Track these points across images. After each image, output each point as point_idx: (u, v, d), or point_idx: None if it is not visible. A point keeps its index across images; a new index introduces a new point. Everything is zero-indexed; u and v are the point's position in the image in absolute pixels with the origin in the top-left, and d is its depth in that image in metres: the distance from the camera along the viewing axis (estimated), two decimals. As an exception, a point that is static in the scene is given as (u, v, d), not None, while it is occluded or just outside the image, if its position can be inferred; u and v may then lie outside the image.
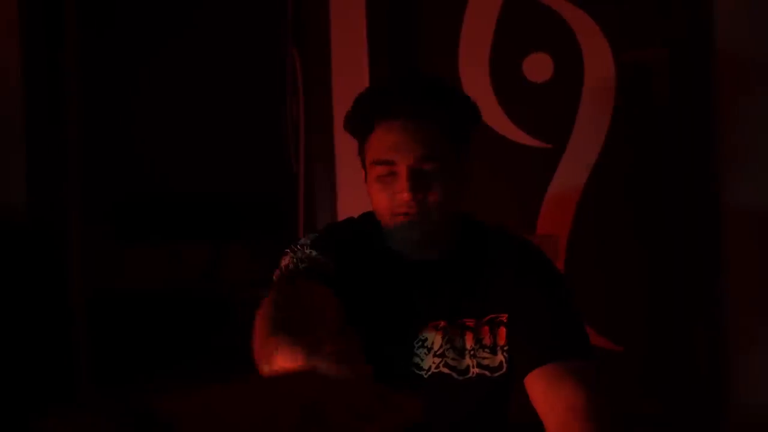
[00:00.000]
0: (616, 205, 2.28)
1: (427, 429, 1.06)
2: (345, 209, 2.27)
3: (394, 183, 1.35)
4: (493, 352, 1.39)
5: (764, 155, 2.27)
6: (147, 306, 3.91)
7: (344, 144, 2.19)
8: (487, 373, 1.38)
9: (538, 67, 2.27)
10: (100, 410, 0.66)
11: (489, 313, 1.39)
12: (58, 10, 2.67)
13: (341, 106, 2.20)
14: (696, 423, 2.25)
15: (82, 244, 2.76)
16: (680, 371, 2.26)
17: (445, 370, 1.38)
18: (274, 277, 1.37)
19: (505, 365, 1.38)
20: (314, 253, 1.35)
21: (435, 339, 1.38)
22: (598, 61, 2.27)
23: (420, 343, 1.39)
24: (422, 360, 1.38)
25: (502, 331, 1.38)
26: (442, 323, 1.39)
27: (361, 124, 1.41)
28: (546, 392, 1.27)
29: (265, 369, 1.02)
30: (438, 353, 1.38)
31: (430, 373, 1.38)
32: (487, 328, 1.39)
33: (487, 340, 1.39)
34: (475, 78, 2.26)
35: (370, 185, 1.40)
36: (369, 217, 1.47)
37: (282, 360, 0.97)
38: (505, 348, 1.38)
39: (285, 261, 1.36)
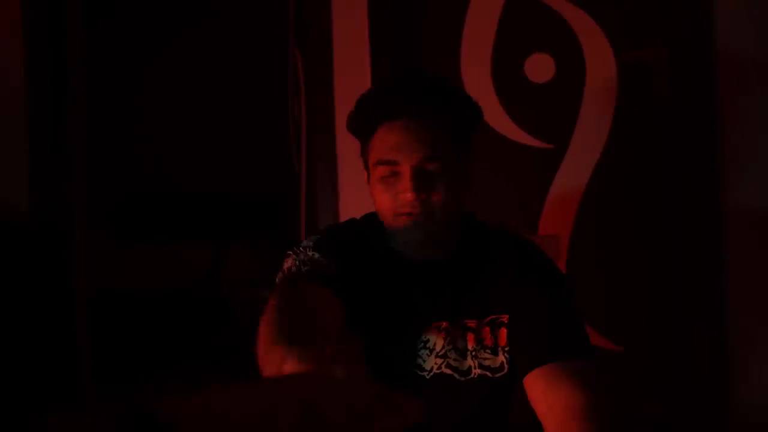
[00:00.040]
0: (618, 205, 2.28)
1: (428, 430, 1.06)
2: (347, 209, 2.27)
3: (397, 183, 1.35)
4: (494, 352, 1.39)
5: (765, 155, 2.27)
6: (149, 306, 3.92)
7: (346, 144, 2.19)
8: (488, 374, 1.38)
9: (539, 68, 2.28)
10: (101, 411, 0.66)
11: (490, 314, 1.40)
12: (61, 10, 2.67)
13: (343, 106, 2.21)
14: (697, 423, 2.25)
15: (84, 244, 2.77)
16: (681, 371, 2.26)
17: (447, 371, 1.38)
18: (276, 280, 1.37)
19: (506, 366, 1.38)
20: (317, 255, 1.35)
21: (437, 340, 1.38)
22: (600, 62, 2.27)
23: (422, 344, 1.39)
24: (424, 361, 1.39)
25: (503, 331, 1.38)
26: (444, 324, 1.39)
27: (363, 124, 1.41)
28: (545, 392, 1.27)
29: (268, 372, 1.02)
30: (440, 354, 1.38)
31: (431, 374, 1.38)
32: (488, 329, 1.39)
33: (488, 341, 1.39)
34: (476, 78, 2.27)
35: (372, 186, 1.40)
36: (371, 218, 1.47)
37: (284, 363, 0.97)
38: (506, 349, 1.38)
39: (287, 263, 1.36)
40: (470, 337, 1.39)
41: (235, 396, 0.72)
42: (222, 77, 3.99)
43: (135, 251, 4.21)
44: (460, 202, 1.41)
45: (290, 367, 0.98)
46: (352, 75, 2.30)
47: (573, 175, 2.26)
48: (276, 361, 0.98)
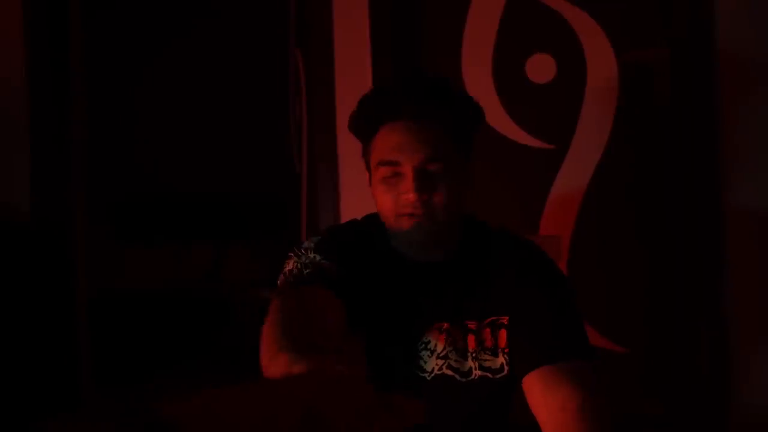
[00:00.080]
0: (619, 205, 2.28)
1: (429, 431, 1.06)
2: (348, 209, 2.27)
3: (399, 184, 1.35)
4: (494, 354, 1.39)
5: (766, 155, 2.27)
6: (149, 305, 3.92)
7: (347, 144, 2.19)
8: (488, 375, 1.38)
9: (540, 68, 2.28)
10: (102, 413, 0.66)
11: (490, 315, 1.40)
12: (62, 10, 2.67)
13: (344, 106, 2.21)
14: (698, 423, 2.25)
15: (85, 244, 2.77)
16: (682, 372, 2.26)
17: (448, 372, 1.38)
18: (278, 282, 1.37)
19: (506, 367, 1.38)
20: (318, 257, 1.35)
21: (438, 341, 1.38)
22: (600, 62, 2.27)
23: (423, 345, 1.39)
24: (425, 362, 1.39)
25: (503, 333, 1.38)
26: (445, 325, 1.39)
27: (365, 125, 1.42)
28: (544, 394, 1.27)
29: (271, 375, 1.02)
30: (441, 355, 1.38)
31: (433, 374, 1.38)
32: (488, 330, 1.39)
33: (488, 342, 1.39)
34: (477, 79, 2.27)
35: (374, 187, 1.40)
36: (372, 219, 1.47)
37: (285, 365, 0.97)
38: (506, 350, 1.38)
39: (289, 265, 1.36)
40: (471, 338, 1.39)
41: (235, 397, 0.72)
42: (223, 77, 3.99)
43: (135, 251, 4.21)
44: (462, 202, 1.41)
45: (286, 360, 0.98)
46: (353, 75, 2.30)
47: (574, 175, 2.27)
48: (281, 367, 0.98)
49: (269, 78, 3.54)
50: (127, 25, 4.01)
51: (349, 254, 1.38)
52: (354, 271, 1.35)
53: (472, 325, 1.39)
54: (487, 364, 1.38)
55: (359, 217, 1.53)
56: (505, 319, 1.39)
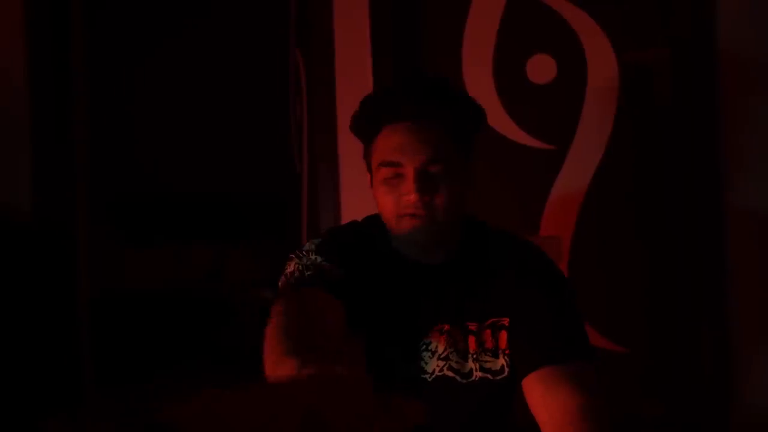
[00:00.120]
0: (620, 206, 2.28)
1: None
2: (349, 210, 2.27)
3: (400, 185, 1.36)
4: (495, 355, 1.39)
5: (767, 155, 2.27)
6: (151, 306, 3.92)
7: (348, 144, 2.19)
8: (489, 376, 1.39)
9: (541, 68, 2.28)
10: (103, 412, 0.67)
11: (491, 317, 1.40)
12: (63, 10, 2.67)
13: (345, 106, 2.22)
14: (699, 424, 2.25)
15: (87, 244, 2.77)
16: (683, 372, 2.26)
17: (449, 374, 1.38)
18: (279, 284, 1.37)
19: (506, 369, 1.38)
20: (319, 259, 1.35)
21: (439, 342, 1.39)
22: (601, 62, 2.27)
23: (424, 346, 1.39)
24: (426, 363, 1.39)
25: (504, 334, 1.39)
26: (446, 326, 1.39)
27: (366, 126, 1.42)
28: (544, 395, 1.27)
29: (273, 377, 1.03)
30: (442, 356, 1.38)
31: (434, 376, 1.39)
32: (489, 331, 1.39)
33: (489, 344, 1.39)
34: (478, 79, 2.27)
35: (376, 188, 1.40)
36: (373, 220, 1.47)
37: (287, 368, 0.98)
38: (507, 351, 1.38)
39: (290, 267, 1.36)
40: (471, 339, 1.39)
41: (236, 399, 0.72)
42: (223, 77, 3.99)
43: (137, 252, 4.21)
44: (463, 203, 1.41)
45: (287, 363, 0.98)
46: (354, 75, 2.30)
47: (574, 175, 2.26)
48: (287, 371, 0.98)
49: (269, 78, 3.54)
50: (128, 25, 4.01)
51: (350, 255, 1.38)
52: (355, 272, 1.35)
53: (472, 326, 1.39)
54: (487, 365, 1.38)
55: (360, 218, 1.53)
56: (505, 321, 1.39)
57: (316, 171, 2.41)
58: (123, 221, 4.22)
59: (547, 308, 1.35)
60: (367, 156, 1.44)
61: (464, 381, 1.38)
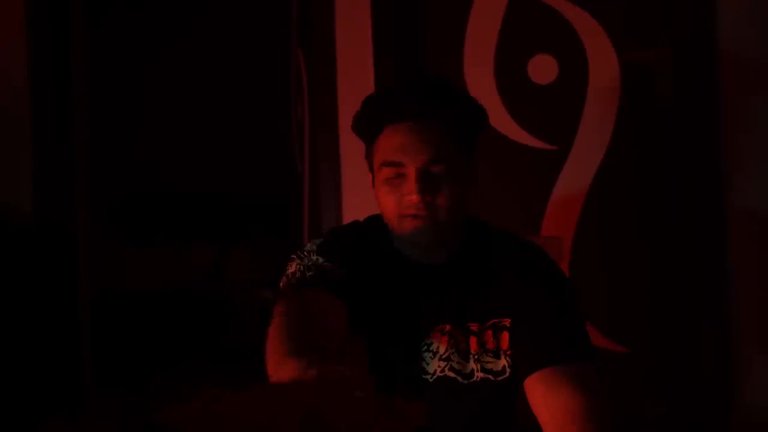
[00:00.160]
0: (621, 206, 2.28)
1: (431, 432, 1.06)
2: (350, 209, 2.27)
3: (402, 185, 1.35)
4: (497, 356, 1.39)
5: (769, 155, 2.27)
6: (151, 306, 3.92)
7: (349, 144, 2.19)
8: (490, 377, 1.38)
9: (542, 69, 2.28)
10: (103, 412, 0.66)
11: (492, 318, 1.39)
12: (64, 10, 2.67)
13: (346, 106, 2.22)
14: (701, 424, 2.25)
15: (88, 244, 2.77)
16: (684, 372, 2.26)
17: (450, 374, 1.38)
18: (280, 285, 1.37)
19: (508, 369, 1.38)
20: (321, 259, 1.35)
21: (440, 343, 1.38)
22: (602, 62, 2.27)
23: (425, 346, 1.39)
24: (428, 364, 1.39)
25: (505, 335, 1.38)
26: (448, 327, 1.39)
27: (368, 126, 1.42)
28: (545, 396, 1.27)
29: (278, 379, 1.02)
30: (443, 357, 1.38)
31: (435, 377, 1.38)
32: (490, 332, 1.39)
33: (490, 345, 1.39)
34: (479, 79, 2.27)
35: (377, 188, 1.40)
36: (375, 220, 1.47)
37: (289, 369, 0.98)
38: (508, 352, 1.38)
39: (291, 268, 1.36)
40: (473, 340, 1.39)
41: (236, 400, 0.72)
42: (225, 77, 3.99)
43: (136, 251, 4.21)
44: (465, 203, 1.41)
45: (289, 365, 0.98)
46: (355, 75, 2.30)
47: (576, 176, 2.26)
48: (289, 373, 0.98)
49: (271, 78, 3.54)
50: (129, 25, 4.01)
51: (351, 256, 1.38)
52: (356, 272, 1.35)
53: (474, 327, 1.39)
54: (489, 366, 1.38)
55: (362, 218, 1.53)
56: (507, 322, 1.39)
57: (317, 171, 2.41)
58: (123, 221, 4.21)
59: (549, 309, 1.35)
60: (368, 156, 1.44)
61: (465, 382, 1.38)
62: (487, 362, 1.38)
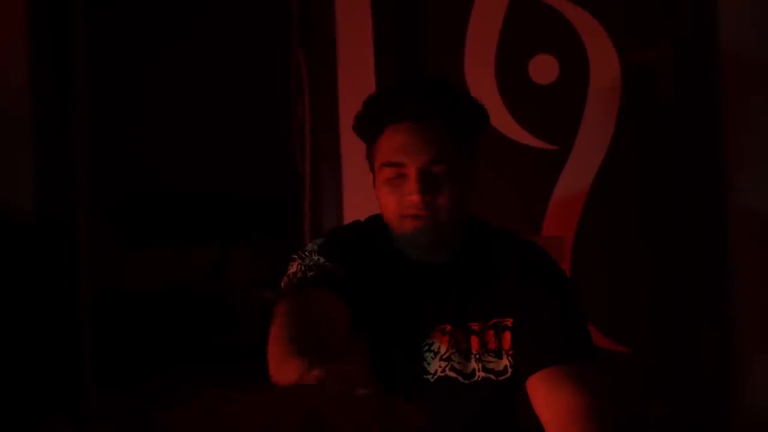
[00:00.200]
0: (622, 206, 2.28)
1: (433, 432, 1.06)
2: (351, 209, 2.27)
3: (403, 185, 1.35)
4: (498, 356, 1.39)
5: (770, 155, 2.27)
6: (152, 306, 3.91)
7: (350, 144, 2.19)
8: (492, 377, 1.38)
9: (543, 69, 2.28)
10: (104, 412, 0.66)
11: (494, 317, 1.39)
12: (64, 10, 2.67)
13: (347, 106, 2.21)
14: (702, 424, 2.24)
15: (88, 244, 2.77)
16: (686, 372, 2.25)
17: (452, 374, 1.38)
18: (282, 285, 1.37)
19: (509, 369, 1.38)
20: (322, 259, 1.35)
21: (441, 343, 1.38)
22: (603, 62, 2.27)
23: (426, 346, 1.39)
24: (429, 364, 1.39)
25: (507, 335, 1.38)
26: (449, 327, 1.39)
27: (369, 126, 1.42)
28: (547, 396, 1.27)
29: (281, 380, 1.02)
30: (444, 357, 1.38)
31: (436, 377, 1.38)
32: (491, 332, 1.39)
33: (492, 344, 1.39)
34: (480, 79, 2.27)
35: (378, 188, 1.40)
36: (376, 220, 1.47)
37: (291, 369, 0.97)
38: (510, 352, 1.38)
39: (293, 268, 1.36)
40: (474, 340, 1.39)
41: (237, 402, 0.72)
42: (225, 77, 3.98)
43: (136, 252, 4.20)
44: (466, 203, 1.41)
45: (291, 366, 0.98)
46: (356, 75, 2.30)
47: (577, 176, 2.26)
48: (292, 373, 0.98)
49: (271, 78, 3.54)
50: (130, 25, 4.00)
51: (352, 256, 1.38)
52: (358, 272, 1.35)
53: (475, 326, 1.39)
54: (490, 366, 1.38)
55: (363, 218, 1.53)
56: (508, 322, 1.39)
57: (318, 171, 2.41)
58: (123, 221, 4.21)
59: (550, 308, 1.35)
60: (369, 156, 1.44)
61: (466, 382, 1.38)
62: (489, 362, 1.38)
